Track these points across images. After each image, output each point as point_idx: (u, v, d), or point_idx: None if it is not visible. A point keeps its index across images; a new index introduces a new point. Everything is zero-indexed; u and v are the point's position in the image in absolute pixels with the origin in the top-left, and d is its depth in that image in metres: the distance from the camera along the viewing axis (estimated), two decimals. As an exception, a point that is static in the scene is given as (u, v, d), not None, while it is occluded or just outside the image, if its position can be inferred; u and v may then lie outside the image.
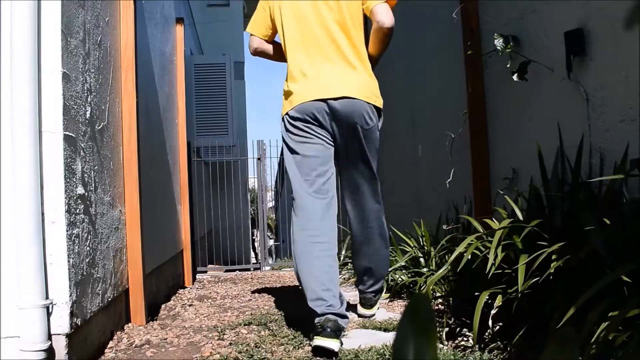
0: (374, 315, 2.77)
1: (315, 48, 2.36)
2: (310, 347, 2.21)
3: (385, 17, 2.35)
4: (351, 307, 3.26)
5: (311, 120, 2.32)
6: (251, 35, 2.60)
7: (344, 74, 2.34)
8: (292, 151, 2.38)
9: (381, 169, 5.55)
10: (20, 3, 1.90)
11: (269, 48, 2.60)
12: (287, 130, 2.40)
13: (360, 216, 2.52)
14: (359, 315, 2.78)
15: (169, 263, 4.13)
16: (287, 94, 2.41)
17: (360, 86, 2.33)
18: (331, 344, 2.03)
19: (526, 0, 2.74)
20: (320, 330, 2.08)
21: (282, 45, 2.47)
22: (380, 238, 2.57)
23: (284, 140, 2.45)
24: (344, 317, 2.18)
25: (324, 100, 2.28)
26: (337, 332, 2.07)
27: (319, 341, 2.04)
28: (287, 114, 2.38)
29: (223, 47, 10.00)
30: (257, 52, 2.59)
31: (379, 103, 2.39)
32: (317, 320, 2.14)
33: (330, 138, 2.36)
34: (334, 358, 2.02)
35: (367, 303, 2.77)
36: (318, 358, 2.03)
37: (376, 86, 2.42)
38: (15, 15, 1.89)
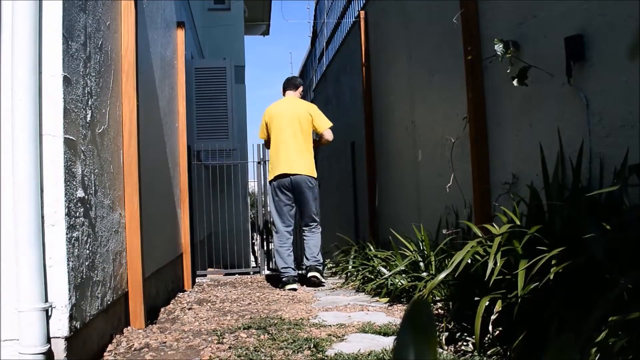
0: (317, 277, 4.49)
1: (286, 143, 4.56)
2: (309, 351, 2.27)
3: (328, 136, 4.71)
4: (352, 310, 3.26)
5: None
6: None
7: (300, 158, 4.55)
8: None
9: (381, 173, 5.56)
10: (21, 5, 1.91)
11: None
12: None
13: (303, 222, 4.69)
14: (313, 279, 4.52)
15: (169, 266, 4.13)
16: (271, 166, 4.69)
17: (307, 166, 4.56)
18: (295, 286, 4.40)
19: (526, 5, 2.75)
20: (287, 282, 4.43)
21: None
22: (311, 231, 4.66)
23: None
24: (296, 276, 4.55)
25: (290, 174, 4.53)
26: (294, 282, 4.43)
27: (289, 286, 4.38)
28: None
29: (224, 51, 10.02)
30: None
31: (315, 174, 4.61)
32: (284, 278, 4.46)
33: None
34: (296, 291, 4.31)
35: (313, 270, 4.53)
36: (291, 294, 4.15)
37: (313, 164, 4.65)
38: (16, 18, 1.90)
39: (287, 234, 4.58)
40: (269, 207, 4.83)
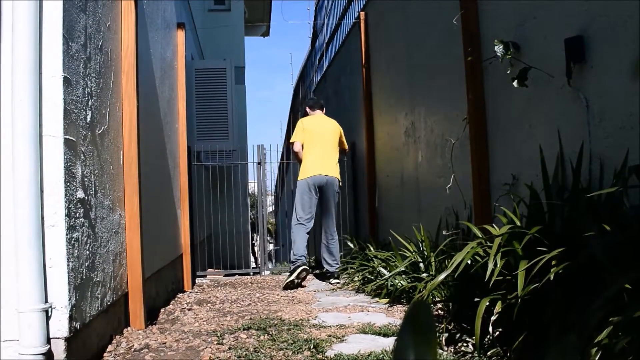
0: (338, 283, 4.80)
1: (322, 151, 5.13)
2: (309, 352, 2.28)
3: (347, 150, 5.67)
4: (352, 311, 3.26)
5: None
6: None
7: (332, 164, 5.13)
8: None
9: (380, 174, 5.56)
10: (21, 6, 1.91)
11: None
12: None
13: (326, 227, 5.10)
14: (337, 285, 4.78)
15: (169, 267, 4.13)
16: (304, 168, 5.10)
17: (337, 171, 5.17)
18: (306, 267, 4.77)
19: (527, 6, 2.75)
20: (299, 266, 4.71)
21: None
22: (335, 237, 5.10)
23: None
24: (306, 263, 4.84)
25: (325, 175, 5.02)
26: (305, 266, 4.76)
27: (300, 268, 4.71)
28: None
29: (224, 52, 10.02)
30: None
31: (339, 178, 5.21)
32: (299, 262, 4.75)
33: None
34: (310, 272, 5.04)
35: (334, 276, 4.95)
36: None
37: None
38: (16, 19, 1.90)
39: (307, 222, 5.02)
40: (289, 204, 5.05)
